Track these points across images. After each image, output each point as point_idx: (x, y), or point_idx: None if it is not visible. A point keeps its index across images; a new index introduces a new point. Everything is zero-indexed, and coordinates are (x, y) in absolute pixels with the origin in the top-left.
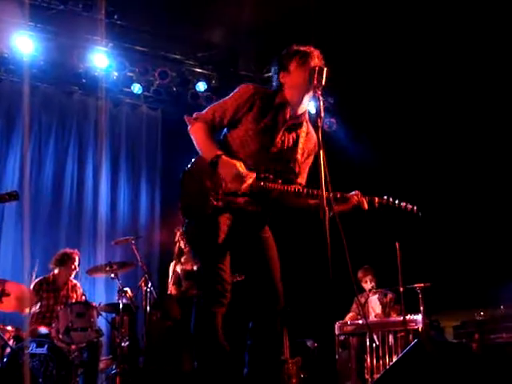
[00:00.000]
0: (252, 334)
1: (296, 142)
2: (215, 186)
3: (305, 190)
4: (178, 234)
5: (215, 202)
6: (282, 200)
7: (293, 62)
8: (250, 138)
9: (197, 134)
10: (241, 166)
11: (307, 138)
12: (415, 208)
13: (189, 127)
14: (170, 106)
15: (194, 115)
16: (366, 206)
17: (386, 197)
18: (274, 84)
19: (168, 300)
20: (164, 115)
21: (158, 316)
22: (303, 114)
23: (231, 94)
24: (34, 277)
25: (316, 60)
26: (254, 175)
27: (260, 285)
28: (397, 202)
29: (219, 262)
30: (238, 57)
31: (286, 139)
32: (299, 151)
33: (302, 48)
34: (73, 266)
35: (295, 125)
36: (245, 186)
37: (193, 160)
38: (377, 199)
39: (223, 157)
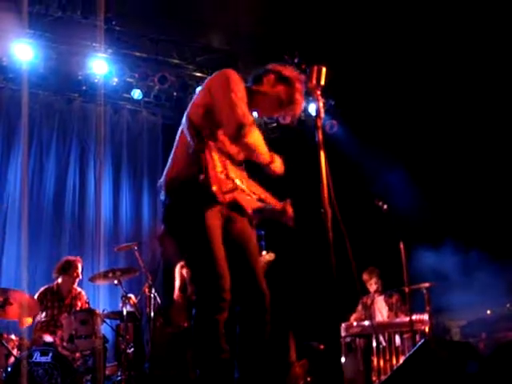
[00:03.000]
0: (240, 338)
1: None
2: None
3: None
4: None
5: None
6: None
7: (283, 87)
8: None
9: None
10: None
11: None
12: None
13: (249, 135)
14: (171, 111)
15: (244, 119)
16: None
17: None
18: (258, 73)
19: (172, 306)
20: (165, 120)
21: (162, 322)
22: None
23: (231, 82)
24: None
25: (288, 113)
26: None
27: (242, 284)
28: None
29: (218, 257)
30: (238, 60)
31: None
32: None
33: (298, 99)
34: (75, 274)
35: None
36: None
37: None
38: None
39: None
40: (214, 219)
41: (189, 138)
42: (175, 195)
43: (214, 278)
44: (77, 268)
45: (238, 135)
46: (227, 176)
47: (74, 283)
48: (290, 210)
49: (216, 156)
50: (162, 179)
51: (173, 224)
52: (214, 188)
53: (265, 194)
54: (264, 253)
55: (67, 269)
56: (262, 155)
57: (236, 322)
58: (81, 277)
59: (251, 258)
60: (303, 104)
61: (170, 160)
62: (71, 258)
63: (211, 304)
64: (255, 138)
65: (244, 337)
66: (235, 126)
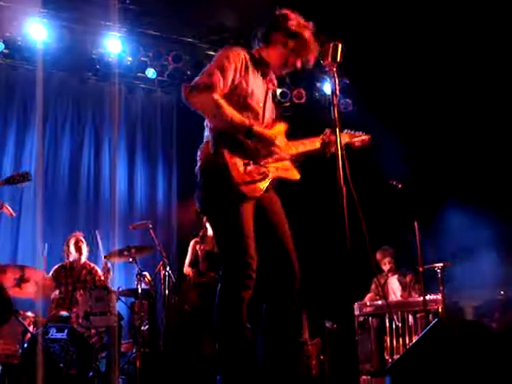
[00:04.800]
0: (267, 315)
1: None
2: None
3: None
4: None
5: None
6: None
7: (293, 42)
8: (247, 101)
9: (218, 103)
10: (277, 138)
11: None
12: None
13: (195, 96)
14: None
15: (198, 82)
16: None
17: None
18: (264, 32)
19: (186, 284)
20: (179, 99)
21: (176, 300)
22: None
23: (222, 57)
24: (45, 259)
25: (304, 62)
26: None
27: (274, 264)
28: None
29: (247, 234)
30: (251, 39)
31: (268, 102)
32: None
33: (310, 46)
34: (77, 247)
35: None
36: (277, 157)
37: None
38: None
39: (256, 128)
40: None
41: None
42: (206, 176)
43: (242, 255)
44: (77, 242)
45: (186, 94)
46: (254, 168)
47: (81, 255)
48: (331, 138)
49: (234, 152)
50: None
51: (205, 202)
52: (240, 188)
53: (300, 145)
54: None
55: (70, 246)
56: (226, 120)
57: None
58: (83, 250)
59: (285, 239)
60: (317, 49)
61: (204, 138)
62: (70, 235)
63: (237, 280)
64: (216, 100)
65: (271, 316)
66: (190, 84)
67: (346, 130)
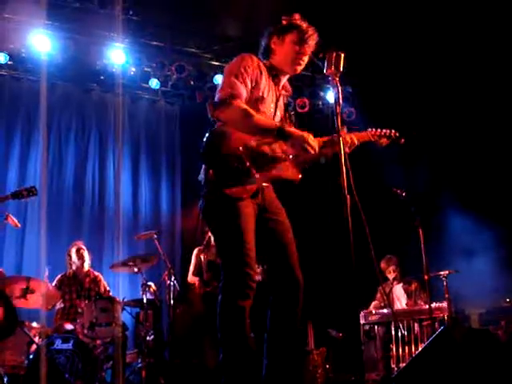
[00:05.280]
0: (271, 324)
1: (284, 113)
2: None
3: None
4: None
5: (256, 174)
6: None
7: (290, 35)
8: (257, 105)
9: (247, 112)
10: (309, 137)
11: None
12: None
13: (222, 111)
14: (188, 100)
15: (222, 97)
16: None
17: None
18: (263, 45)
19: (191, 293)
20: (182, 109)
21: (182, 309)
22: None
23: (238, 65)
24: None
25: (311, 45)
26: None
27: (277, 274)
28: (379, 130)
29: (248, 246)
30: (254, 49)
31: (279, 109)
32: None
33: (304, 26)
34: (79, 254)
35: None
36: (312, 154)
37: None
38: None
39: (287, 128)
40: (246, 208)
41: None
42: (205, 185)
43: (242, 266)
44: (78, 251)
45: (212, 111)
46: (248, 169)
47: (82, 264)
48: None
49: (228, 153)
50: None
51: (205, 211)
52: (226, 192)
53: None
54: None
55: (71, 256)
56: (257, 126)
57: (265, 311)
58: (85, 257)
59: (288, 249)
60: (313, 31)
61: None
62: (71, 245)
63: (237, 290)
64: (243, 109)
65: (275, 325)
66: (214, 101)
67: (369, 129)
